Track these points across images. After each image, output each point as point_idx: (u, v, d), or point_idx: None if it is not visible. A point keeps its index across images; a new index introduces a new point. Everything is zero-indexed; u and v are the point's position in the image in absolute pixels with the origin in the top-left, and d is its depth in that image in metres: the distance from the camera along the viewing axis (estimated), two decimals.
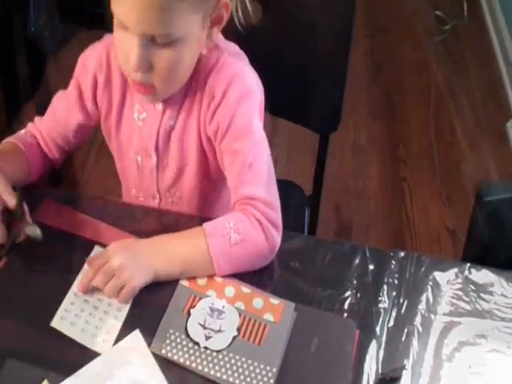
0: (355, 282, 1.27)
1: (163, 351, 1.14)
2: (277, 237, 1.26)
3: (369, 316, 1.22)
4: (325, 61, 1.60)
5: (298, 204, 1.87)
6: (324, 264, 1.30)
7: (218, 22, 1.24)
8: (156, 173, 1.43)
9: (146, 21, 1.13)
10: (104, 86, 1.35)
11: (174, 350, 1.14)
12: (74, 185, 2.60)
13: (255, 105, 1.30)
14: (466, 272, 1.30)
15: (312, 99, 1.57)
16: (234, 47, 1.33)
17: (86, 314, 1.18)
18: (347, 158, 2.93)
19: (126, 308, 1.19)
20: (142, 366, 1.12)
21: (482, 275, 1.31)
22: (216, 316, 1.20)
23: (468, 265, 1.32)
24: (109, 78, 1.35)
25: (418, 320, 1.22)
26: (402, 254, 1.33)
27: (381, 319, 1.22)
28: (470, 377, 1.16)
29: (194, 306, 1.20)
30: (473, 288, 1.28)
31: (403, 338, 1.19)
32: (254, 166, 1.27)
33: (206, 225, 1.24)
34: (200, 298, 1.22)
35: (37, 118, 1.44)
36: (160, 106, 1.34)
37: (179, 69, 1.23)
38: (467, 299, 1.26)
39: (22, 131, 1.43)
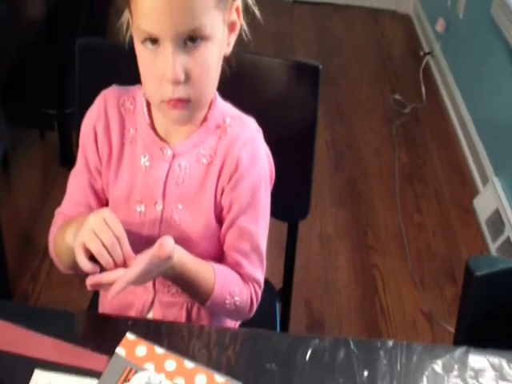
0: (341, 380, 1.14)
1: None
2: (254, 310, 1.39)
3: None
4: (291, 148, 1.60)
5: (269, 300, 1.76)
6: (304, 363, 1.17)
7: (233, 29, 1.26)
8: (159, 223, 1.34)
9: (178, 18, 1.13)
10: (103, 134, 1.34)
11: None
12: (25, 297, 2.49)
13: (268, 185, 1.37)
14: (462, 356, 1.19)
15: (279, 186, 1.52)
16: (254, 123, 1.36)
17: None
18: (315, 248, 2.86)
19: None
20: None
21: (480, 358, 1.19)
22: None
23: (463, 348, 1.20)
24: (107, 126, 1.34)
25: None
26: (391, 343, 1.20)
27: None
28: None
29: (129, 381, 1.07)
30: (471, 374, 1.16)
31: None
32: (260, 249, 1.36)
33: (218, 278, 1.30)
34: (136, 371, 1.09)
35: (58, 209, 1.41)
36: (169, 152, 1.31)
37: (210, 72, 1.22)
38: None
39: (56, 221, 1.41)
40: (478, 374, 1.17)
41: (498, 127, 3.08)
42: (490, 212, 2.92)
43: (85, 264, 1.15)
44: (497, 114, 3.13)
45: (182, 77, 1.16)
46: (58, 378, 1.10)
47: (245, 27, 1.30)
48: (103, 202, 1.39)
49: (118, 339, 1.15)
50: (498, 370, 1.18)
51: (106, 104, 1.34)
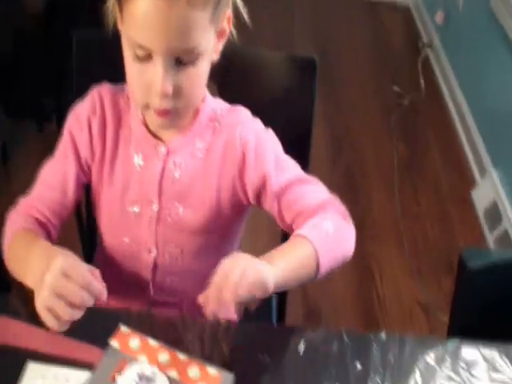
0: (334, 372, 1.15)
1: None
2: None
3: None
4: (287, 139, 1.54)
5: None
6: (297, 354, 1.17)
7: (222, 36, 1.24)
8: (155, 223, 1.34)
9: (174, 36, 1.11)
10: (98, 130, 1.32)
11: None
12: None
13: (277, 140, 1.34)
14: (455, 348, 1.19)
15: None
16: (247, 110, 1.35)
17: None
18: None
19: None
20: None
21: (473, 350, 1.20)
22: None
23: (456, 340, 1.21)
24: (103, 123, 1.32)
25: None
26: (384, 335, 1.21)
27: None
28: None
29: (121, 372, 1.08)
30: (464, 366, 1.17)
31: None
32: (307, 178, 1.31)
33: (319, 251, 1.21)
34: (129, 363, 1.09)
35: (22, 199, 1.35)
36: (163, 149, 1.30)
37: (199, 85, 1.23)
38: (458, 379, 1.15)
39: (14, 216, 1.32)
40: (470, 365, 1.17)
41: (497, 119, 3.08)
42: (488, 203, 2.93)
43: (55, 326, 1.04)
44: (495, 106, 3.13)
45: (170, 91, 1.15)
46: (51, 369, 1.10)
47: (233, 32, 1.28)
48: (79, 194, 1.36)
49: (111, 331, 1.16)
50: (490, 361, 1.18)
51: (101, 100, 1.32)
